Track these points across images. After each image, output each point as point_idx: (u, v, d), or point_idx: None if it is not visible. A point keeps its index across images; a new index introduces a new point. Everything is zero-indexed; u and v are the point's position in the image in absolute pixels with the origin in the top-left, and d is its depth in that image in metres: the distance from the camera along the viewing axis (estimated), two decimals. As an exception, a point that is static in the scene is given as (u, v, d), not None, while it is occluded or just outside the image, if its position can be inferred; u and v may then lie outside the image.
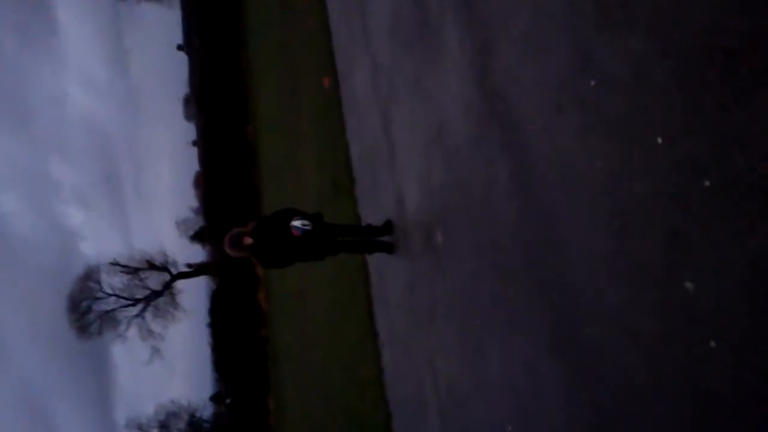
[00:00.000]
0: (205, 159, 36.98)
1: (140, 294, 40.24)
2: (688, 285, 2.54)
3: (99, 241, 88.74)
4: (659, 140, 2.70)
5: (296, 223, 6.12)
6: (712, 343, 2.42)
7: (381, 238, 7.17)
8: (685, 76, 2.57)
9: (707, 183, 2.44)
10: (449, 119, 5.26)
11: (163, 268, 41.04)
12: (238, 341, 28.79)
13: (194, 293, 43.00)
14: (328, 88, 10.80)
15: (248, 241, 6.14)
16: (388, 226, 7.11)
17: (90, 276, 38.84)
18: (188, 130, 55.02)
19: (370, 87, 8.04)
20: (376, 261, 8.07)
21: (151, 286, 40.59)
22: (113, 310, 39.17)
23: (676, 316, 2.63)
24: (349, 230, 7.52)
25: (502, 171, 4.29)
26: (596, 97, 3.17)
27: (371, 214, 7.94)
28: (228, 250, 6.25)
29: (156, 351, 40.15)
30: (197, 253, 45.18)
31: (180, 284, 42.09)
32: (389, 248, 7.07)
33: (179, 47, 55.47)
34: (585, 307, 3.34)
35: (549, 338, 3.74)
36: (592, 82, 3.19)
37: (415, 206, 6.39)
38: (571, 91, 3.40)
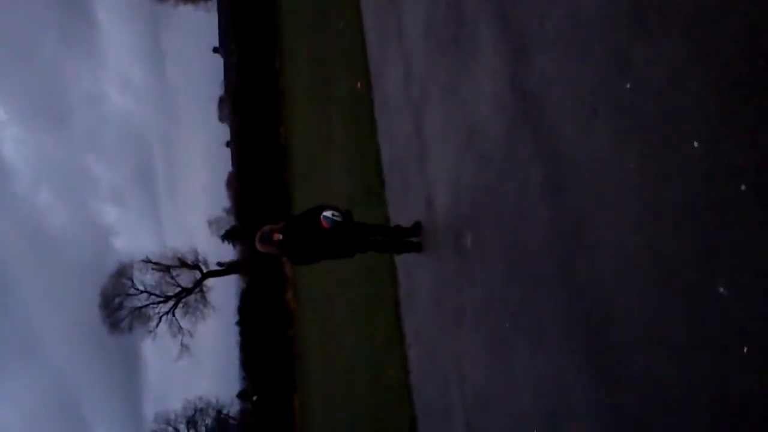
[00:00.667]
0: (238, 159, 37.37)
1: (171, 291, 40.82)
2: (722, 290, 2.51)
3: (132, 237, 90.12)
4: (695, 144, 2.67)
5: (327, 213, 6.16)
6: (745, 349, 2.38)
7: (410, 239, 7.19)
8: (723, 80, 2.54)
9: (743, 187, 2.41)
10: (482, 122, 5.25)
11: (194, 266, 41.52)
12: (266, 340, 29.02)
13: (224, 292, 43.43)
14: (361, 90, 10.85)
15: (278, 237, 6.20)
16: (416, 228, 7.12)
17: (122, 273, 39.53)
18: (222, 132, 55.72)
19: (403, 90, 8.06)
20: (404, 263, 8.09)
21: (182, 283, 41.15)
22: (144, 306, 39.81)
23: (709, 322, 2.60)
24: (378, 230, 7.55)
25: (534, 175, 4.27)
26: (632, 100, 3.15)
27: (401, 217, 7.96)
28: (258, 246, 6.33)
29: (185, 348, 40.67)
30: (228, 252, 45.71)
31: (210, 282, 42.60)
32: (418, 248, 7.08)
33: (215, 49, 56.21)
34: (615, 313, 3.31)
35: (578, 343, 3.71)
36: (628, 86, 3.17)
37: (445, 209, 6.39)
38: (606, 94, 3.37)
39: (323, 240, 6.30)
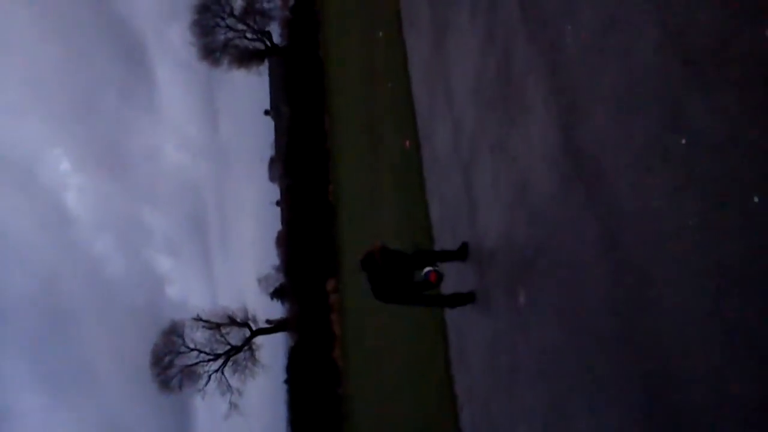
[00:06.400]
0: (288, 218, 37.98)
1: (221, 349, 41.05)
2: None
3: (184, 286, 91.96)
4: (755, 199, 2.62)
5: (437, 268, 6.67)
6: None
7: (462, 295, 7.08)
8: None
9: (814, 243, 2.33)
10: (533, 178, 5.24)
11: (244, 323, 41.83)
12: (314, 399, 28.74)
13: (272, 349, 43.47)
14: (409, 149, 11.00)
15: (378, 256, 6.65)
16: (463, 249, 7.19)
17: (173, 330, 40.03)
18: (272, 191, 57.12)
19: (452, 147, 8.14)
20: (455, 319, 7.98)
21: (232, 341, 41.37)
22: (194, 364, 40.04)
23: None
24: (426, 255, 7.62)
25: (589, 231, 4.21)
26: (687, 155, 3.11)
27: (451, 276, 7.89)
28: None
29: (234, 406, 40.48)
30: (277, 310, 45.92)
31: (259, 340, 42.72)
32: (471, 298, 6.99)
33: (266, 112, 58.18)
34: (678, 372, 3.20)
35: (640, 404, 3.59)
36: (683, 141, 3.14)
37: (497, 266, 6.33)
38: (661, 149, 3.34)
39: (413, 288, 6.81)
